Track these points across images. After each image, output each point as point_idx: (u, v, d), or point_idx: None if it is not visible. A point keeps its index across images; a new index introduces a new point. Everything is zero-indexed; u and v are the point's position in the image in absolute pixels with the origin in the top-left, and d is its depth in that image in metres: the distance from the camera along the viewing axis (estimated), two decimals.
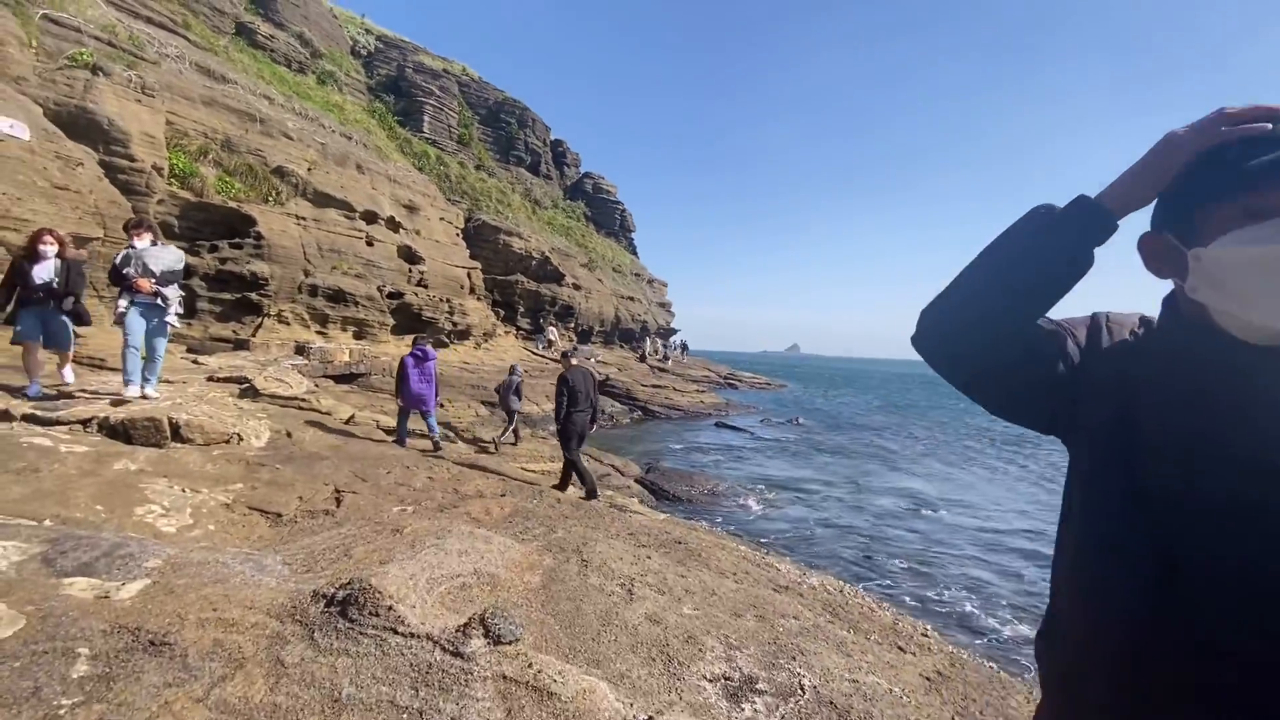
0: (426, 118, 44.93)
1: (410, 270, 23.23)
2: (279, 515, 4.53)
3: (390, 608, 2.44)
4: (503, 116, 54.77)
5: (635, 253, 59.88)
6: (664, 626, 3.23)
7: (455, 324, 23.69)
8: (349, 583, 2.57)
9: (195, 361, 11.38)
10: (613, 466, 11.95)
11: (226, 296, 17.15)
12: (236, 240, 17.60)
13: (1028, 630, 6.61)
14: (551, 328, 33.41)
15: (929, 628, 4.62)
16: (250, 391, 9.09)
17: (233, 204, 17.82)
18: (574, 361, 7.71)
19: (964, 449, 20.98)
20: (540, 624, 3.07)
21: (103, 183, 12.49)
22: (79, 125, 14.32)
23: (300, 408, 8.85)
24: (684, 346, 48.90)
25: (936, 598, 7.47)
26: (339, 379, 16.07)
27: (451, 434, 11.25)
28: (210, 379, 9.27)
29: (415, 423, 9.18)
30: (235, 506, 4.52)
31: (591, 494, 7.26)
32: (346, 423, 9.00)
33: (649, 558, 4.42)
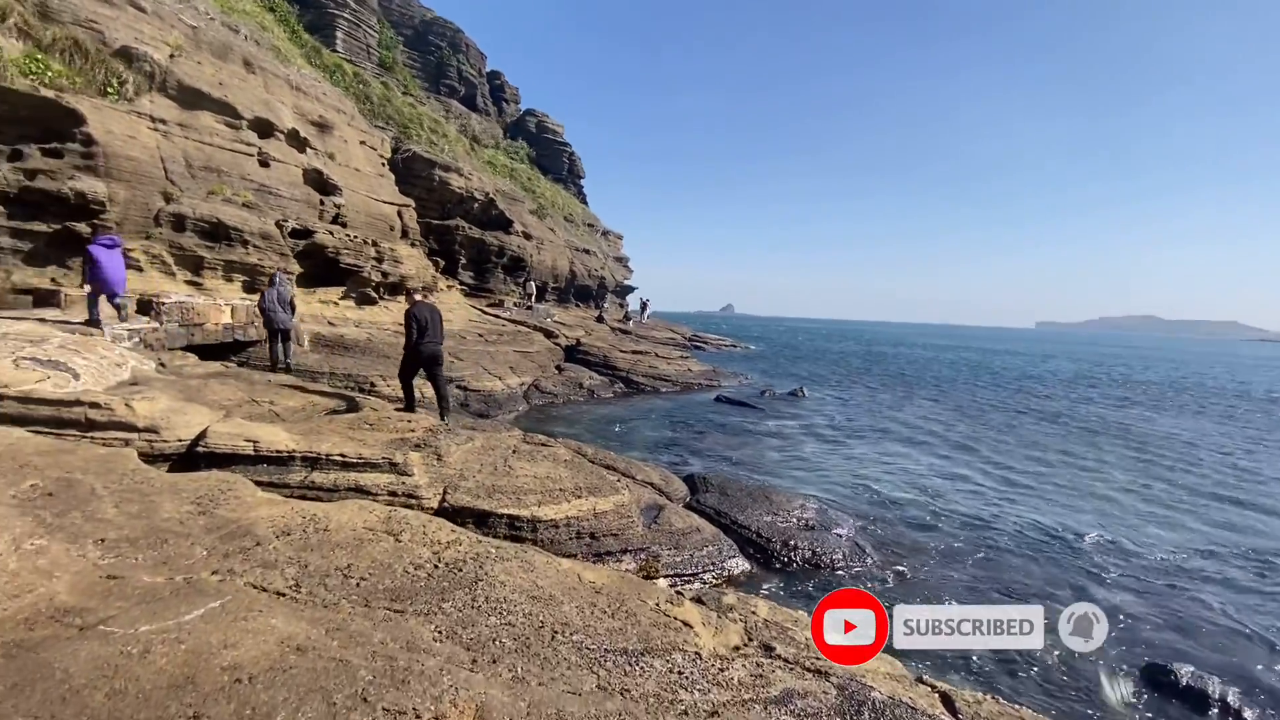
0: (340, 34, 37.80)
1: (323, 202, 17.79)
2: None
3: None
4: (431, 39, 47.58)
5: (585, 201, 54.54)
6: None
7: (385, 274, 18.56)
8: None
9: None
10: (651, 485, 7.85)
11: (39, 228, 11.60)
12: (53, 146, 11.92)
13: None
14: (533, 283, 29.79)
15: None
16: None
17: (47, 92, 12.03)
18: (416, 298, 8.05)
19: (986, 412, 18.38)
20: None
21: None
22: None
23: (80, 431, 4.22)
24: (644, 306, 44.49)
25: None
26: (211, 350, 11.03)
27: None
28: None
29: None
30: None
31: (410, 409, 8.06)
32: (180, 461, 4.45)
33: None
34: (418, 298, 8.18)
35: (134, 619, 2.06)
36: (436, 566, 3.08)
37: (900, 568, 6.93)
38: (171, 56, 15.20)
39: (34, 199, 11.46)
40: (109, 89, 13.53)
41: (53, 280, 11.41)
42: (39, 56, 12.66)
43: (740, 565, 6.46)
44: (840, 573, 6.67)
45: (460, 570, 3.08)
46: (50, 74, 12.54)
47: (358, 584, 2.79)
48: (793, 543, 6.96)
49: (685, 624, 3.18)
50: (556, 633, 2.62)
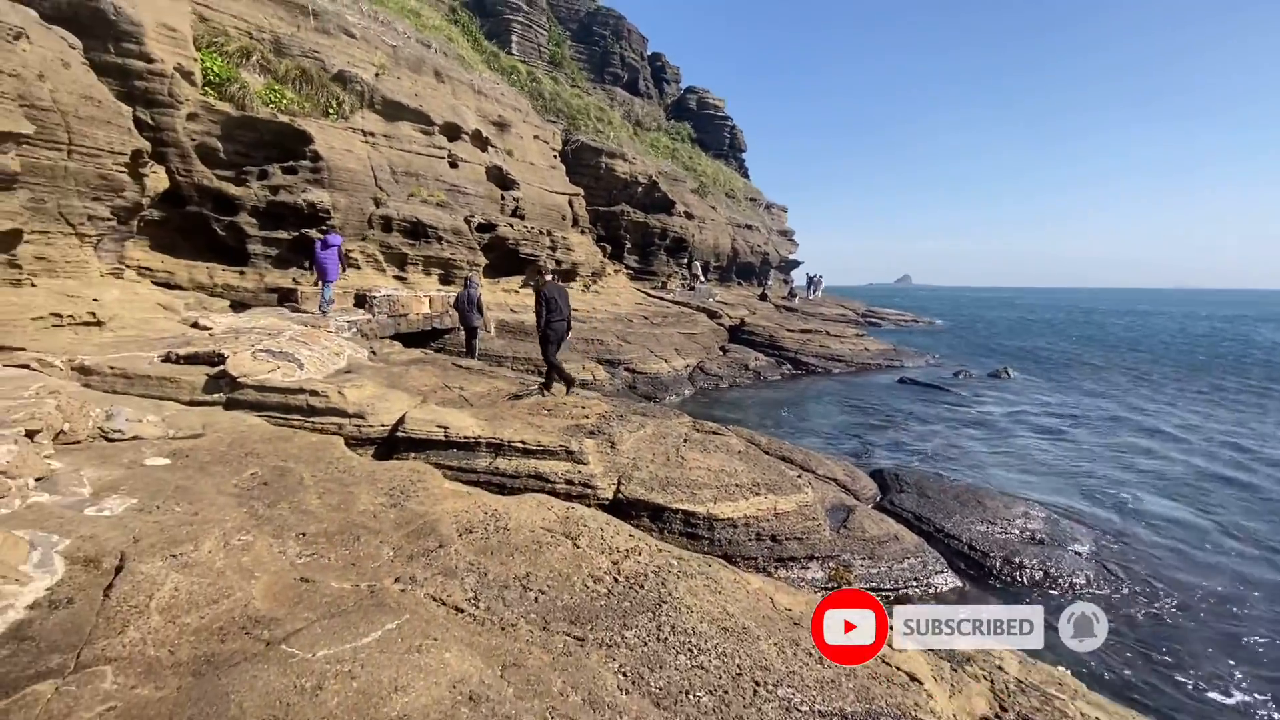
0: (515, 37, 40.20)
1: (503, 197, 18.95)
2: None
3: None
4: (595, 30, 48.81)
5: (747, 175, 52.90)
6: None
7: (559, 262, 19.38)
8: None
9: (197, 324, 7.54)
10: (834, 481, 7.10)
11: (283, 235, 13.59)
12: (289, 164, 13.87)
13: None
14: (698, 264, 30.08)
15: None
16: (224, 380, 4.95)
17: (284, 117, 14.00)
18: (547, 278, 8.24)
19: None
20: None
21: (69, 71, 8.71)
22: (80, 20, 11.04)
23: (303, 416, 4.63)
24: (814, 281, 42.06)
25: None
26: (413, 338, 12.18)
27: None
28: (168, 358, 5.20)
29: None
30: None
31: (570, 385, 8.21)
32: (383, 444, 4.72)
33: None
34: (548, 278, 8.48)
35: (315, 639, 2.03)
36: (616, 580, 2.81)
37: (1170, 600, 5.50)
38: (377, 75, 16.98)
39: (277, 210, 13.45)
40: (330, 110, 15.45)
41: (293, 280, 13.33)
42: (275, 86, 14.75)
43: (949, 581, 5.54)
44: (1053, 579, 5.45)
45: (641, 587, 2.78)
46: (285, 101, 14.58)
47: (536, 599, 2.60)
48: (1017, 559, 5.85)
49: (912, 677, 2.57)
50: (759, 685, 2.19)
